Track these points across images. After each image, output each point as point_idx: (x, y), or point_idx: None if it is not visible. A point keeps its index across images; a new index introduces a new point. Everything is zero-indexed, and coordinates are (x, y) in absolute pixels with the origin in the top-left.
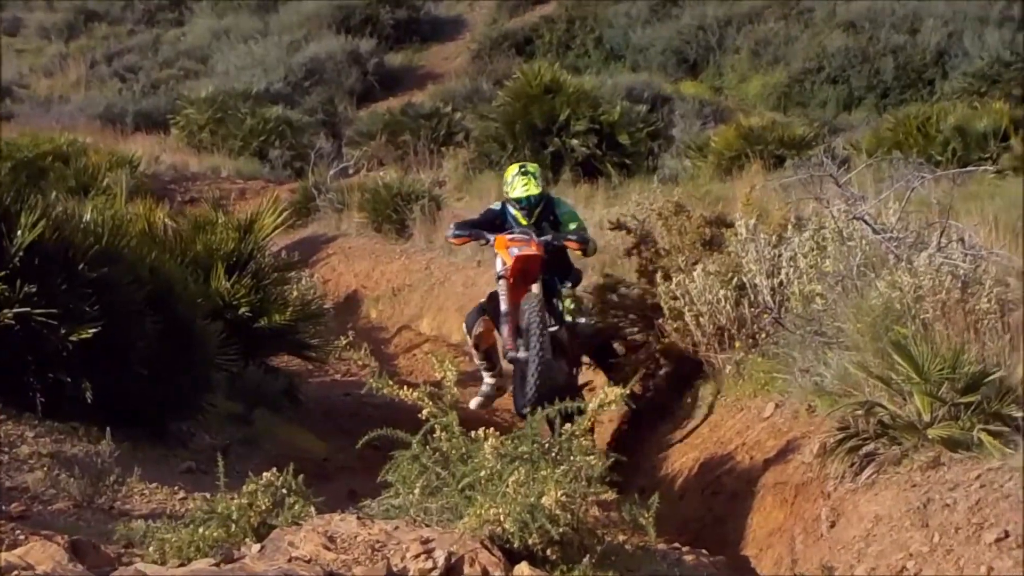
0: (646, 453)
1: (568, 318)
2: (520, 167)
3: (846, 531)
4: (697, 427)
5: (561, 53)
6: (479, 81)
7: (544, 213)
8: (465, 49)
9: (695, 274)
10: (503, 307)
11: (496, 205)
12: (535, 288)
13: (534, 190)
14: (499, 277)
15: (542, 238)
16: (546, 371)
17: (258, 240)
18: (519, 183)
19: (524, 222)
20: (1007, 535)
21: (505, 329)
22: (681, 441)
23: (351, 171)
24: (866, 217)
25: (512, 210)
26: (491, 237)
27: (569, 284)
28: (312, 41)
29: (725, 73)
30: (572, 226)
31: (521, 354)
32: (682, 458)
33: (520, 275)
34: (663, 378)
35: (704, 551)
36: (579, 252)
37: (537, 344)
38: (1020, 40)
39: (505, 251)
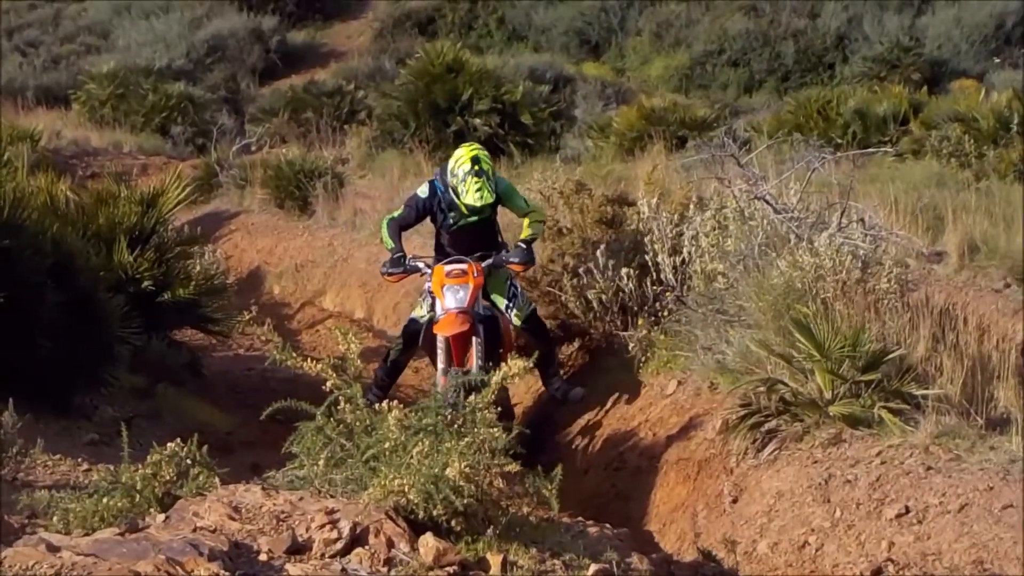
0: (551, 429)
1: (514, 316)
2: (473, 161)
3: (749, 507)
4: (601, 404)
5: (464, 33)
6: (382, 60)
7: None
8: (368, 28)
9: (597, 253)
10: (440, 366)
11: (424, 191)
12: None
13: (488, 198)
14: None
15: (485, 262)
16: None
17: (161, 214)
18: (472, 186)
19: (465, 212)
20: (907, 511)
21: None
22: (585, 417)
23: (254, 148)
24: (767, 197)
25: (454, 198)
26: (428, 269)
27: (516, 260)
28: (214, 18)
29: (627, 55)
30: (520, 207)
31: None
32: (586, 434)
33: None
34: (569, 356)
35: (607, 525)
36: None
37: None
38: (919, 25)
39: (441, 294)
